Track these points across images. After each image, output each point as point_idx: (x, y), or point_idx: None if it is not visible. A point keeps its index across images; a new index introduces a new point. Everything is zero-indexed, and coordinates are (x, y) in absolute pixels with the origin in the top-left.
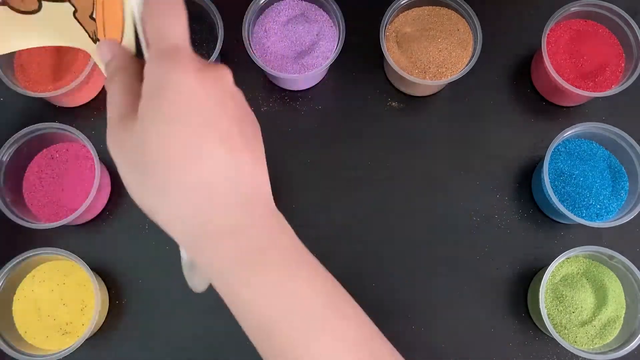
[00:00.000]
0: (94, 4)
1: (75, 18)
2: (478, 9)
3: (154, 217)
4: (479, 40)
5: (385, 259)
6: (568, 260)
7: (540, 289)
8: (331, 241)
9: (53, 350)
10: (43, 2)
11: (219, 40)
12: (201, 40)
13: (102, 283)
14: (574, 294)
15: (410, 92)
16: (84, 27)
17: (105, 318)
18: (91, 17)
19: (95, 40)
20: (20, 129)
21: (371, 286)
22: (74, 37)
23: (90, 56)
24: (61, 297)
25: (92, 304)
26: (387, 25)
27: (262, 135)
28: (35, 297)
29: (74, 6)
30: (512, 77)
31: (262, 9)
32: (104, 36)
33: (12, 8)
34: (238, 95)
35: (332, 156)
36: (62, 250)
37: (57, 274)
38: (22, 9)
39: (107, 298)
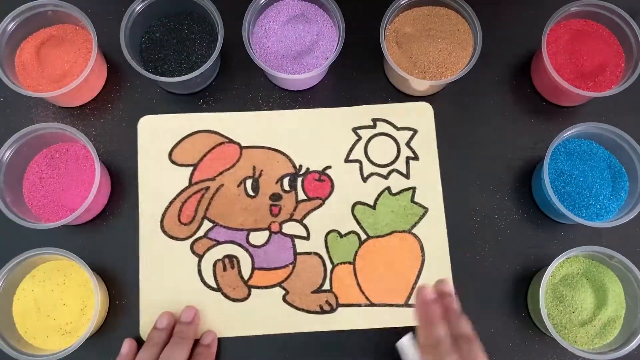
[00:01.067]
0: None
1: (285, 301)
2: (478, 9)
3: None
4: (479, 40)
5: None
6: (568, 260)
7: (540, 289)
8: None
9: (53, 350)
10: (252, 290)
11: (219, 40)
12: (201, 40)
13: (102, 283)
14: (574, 294)
15: (411, 92)
16: (296, 307)
17: (105, 318)
18: (320, 290)
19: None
20: (20, 129)
21: None
22: (281, 322)
23: (90, 57)
24: (61, 297)
25: (92, 304)
26: (387, 25)
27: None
28: (35, 297)
29: (284, 289)
30: (512, 77)
31: (262, 9)
32: None
33: (224, 295)
34: None
35: None
36: (62, 250)
37: (57, 274)
38: (233, 297)
39: (107, 298)
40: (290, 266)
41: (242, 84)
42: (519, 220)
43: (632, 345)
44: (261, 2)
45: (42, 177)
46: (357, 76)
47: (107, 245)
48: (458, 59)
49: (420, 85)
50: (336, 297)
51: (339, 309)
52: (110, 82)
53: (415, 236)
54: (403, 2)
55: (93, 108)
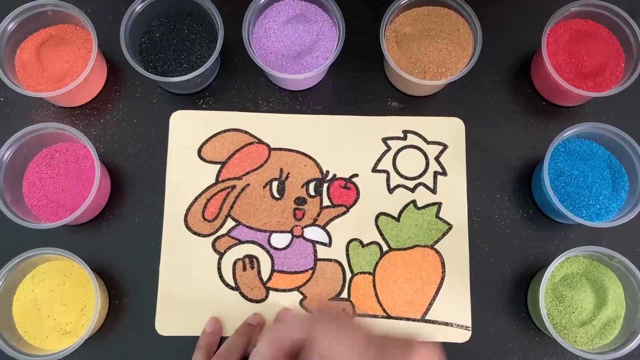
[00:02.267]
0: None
1: (302, 306)
2: (478, 9)
3: None
4: (479, 40)
5: None
6: (568, 260)
7: (540, 289)
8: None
9: (53, 350)
10: (270, 292)
11: (218, 40)
12: (201, 40)
13: (102, 283)
14: (574, 294)
15: (410, 92)
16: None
17: (105, 318)
18: (338, 298)
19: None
20: (20, 129)
21: None
22: None
23: (90, 57)
24: (61, 297)
25: (92, 304)
26: (387, 25)
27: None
28: (35, 297)
29: (302, 294)
30: (512, 77)
31: (262, 9)
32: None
33: (242, 295)
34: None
35: None
36: (62, 250)
37: (57, 274)
38: (250, 297)
39: (107, 298)
40: (310, 271)
41: (242, 84)
42: (519, 220)
43: (632, 345)
44: (261, 2)
45: (42, 177)
46: (357, 76)
47: (107, 245)
48: (458, 59)
49: (420, 85)
50: (353, 307)
51: (355, 318)
52: (110, 82)
53: (437, 252)
54: (403, 2)
55: (93, 108)
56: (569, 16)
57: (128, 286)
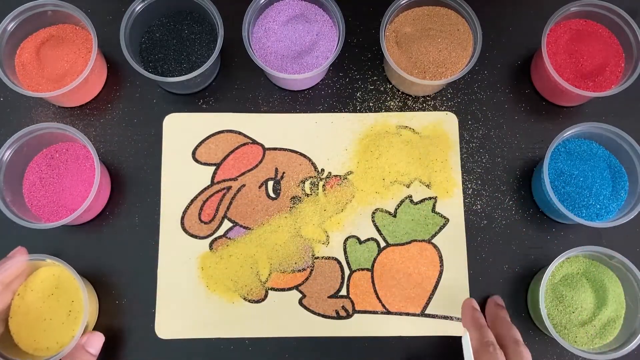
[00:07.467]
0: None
1: (302, 305)
2: (478, 9)
3: None
4: (479, 40)
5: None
6: (568, 260)
7: (540, 289)
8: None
9: (44, 355)
10: (269, 291)
11: (218, 40)
12: (201, 40)
13: (92, 288)
14: (574, 294)
15: (410, 92)
16: (312, 311)
17: (106, 318)
18: (337, 295)
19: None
20: (20, 129)
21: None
22: (296, 325)
23: (90, 57)
24: (50, 305)
25: (82, 309)
26: (387, 25)
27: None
28: (28, 304)
29: (301, 293)
30: (512, 77)
31: (262, 9)
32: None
33: (241, 295)
34: None
35: None
36: (49, 256)
37: (48, 281)
38: (250, 298)
39: (97, 301)
40: (308, 270)
41: (242, 84)
42: (519, 220)
43: (632, 345)
44: (261, 2)
45: (42, 177)
46: (357, 76)
47: (107, 245)
48: (458, 59)
49: (420, 85)
50: (353, 303)
51: (355, 315)
52: (110, 82)
53: (435, 246)
54: (403, 2)
55: (93, 108)
56: (569, 16)
57: (128, 286)
